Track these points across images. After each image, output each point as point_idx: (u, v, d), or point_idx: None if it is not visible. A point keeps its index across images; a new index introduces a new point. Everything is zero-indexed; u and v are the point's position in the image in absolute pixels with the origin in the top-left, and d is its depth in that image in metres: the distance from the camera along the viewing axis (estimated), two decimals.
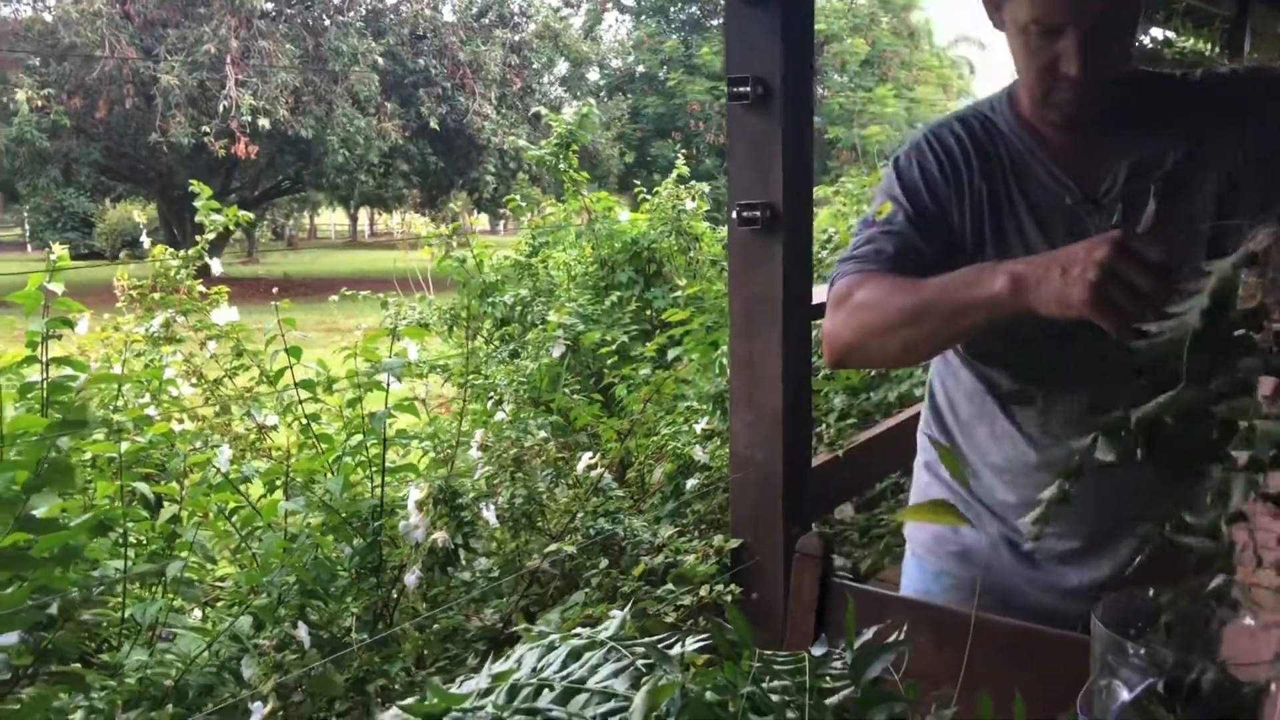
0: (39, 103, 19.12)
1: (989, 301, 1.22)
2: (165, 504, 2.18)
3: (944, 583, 1.61)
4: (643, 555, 2.42)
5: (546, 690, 0.93)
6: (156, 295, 2.83)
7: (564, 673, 0.95)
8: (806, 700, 0.85)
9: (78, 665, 1.66)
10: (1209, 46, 5.65)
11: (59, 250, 2.15)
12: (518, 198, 5.44)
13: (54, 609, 1.34)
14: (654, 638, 0.96)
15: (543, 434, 2.73)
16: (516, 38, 23.42)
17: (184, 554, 1.99)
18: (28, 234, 26.60)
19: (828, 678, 0.88)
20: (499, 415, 2.98)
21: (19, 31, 20.16)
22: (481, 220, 29.12)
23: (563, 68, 25.39)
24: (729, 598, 2.22)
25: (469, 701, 0.93)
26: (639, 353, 3.71)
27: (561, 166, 4.72)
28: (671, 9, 25.12)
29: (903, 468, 3.00)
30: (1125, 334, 1.06)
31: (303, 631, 1.91)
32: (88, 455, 2.19)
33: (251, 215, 3.23)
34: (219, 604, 2.18)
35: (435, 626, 2.15)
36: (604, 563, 2.39)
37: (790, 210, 2.23)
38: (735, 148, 2.28)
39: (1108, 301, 1.10)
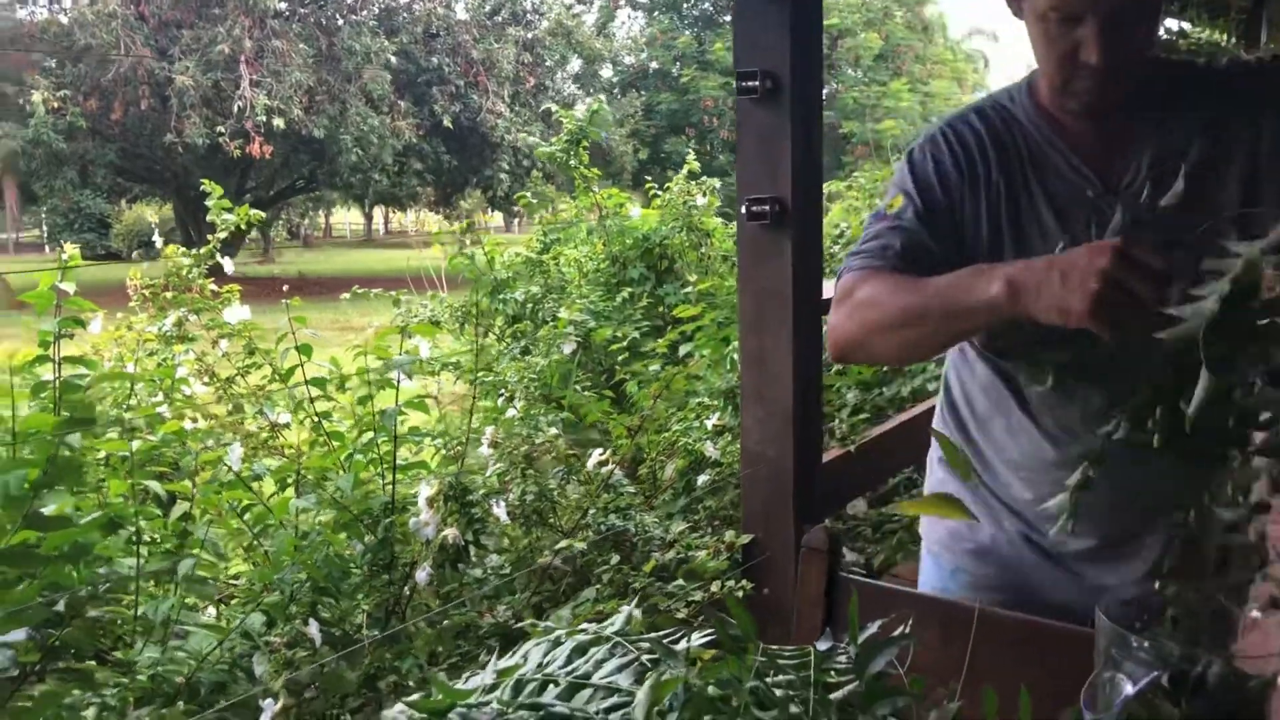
0: (55, 104, 19.26)
1: (986, 306, 1.21)
2: (178, 502, 2.19)
3: (960, 580, 1.60)
4: (654, 551, 2.42)
5: (551, 685, 0.93)
6: (169, 294, 2.84)
7: (569, 668, 0.95)
8: (811, 695, 0.85)
9: (92, 662, 1.67)
10: (1225, 37, 5.60)
11: (70, 250, 2.16)
12: (529, 195, 5.45)
13: (61, 606, 1.35)
14: (659, 633, 0.96)
15: (554, 431, 2.73)
16: (529, 35, 23.44)
17: (196, 551, 2.00)
18: (45, 235, 26.76)
19: (832, 672, 0.88)
20: (510, 412, 2.98)
21: (35, 33, 20.29)
22: (496, 218, 29.18)
23: (576, 65, 25.41)
24: (740, 593, 2.21)
25: (474, 697, 0.94)
26: (650, 349, 3.71)
27: (572, 163, 4.72)
28: (684, 5, 25.07)
29: (916, 463, 2.99)
30: (1124, 341, 1.05)
31: (314, 629, 1.92)
32: (101, 454, 2.20)
33: (263, 214, 3.24)
34: (233, 601, 2.19)
35: (445, 623, 2.15)
36: (615, 559, 2.38)
37: (799, 205, 2.22)
38: (744, 142, 2.27)
39: (1108, 311, 1.08)
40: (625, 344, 3.81)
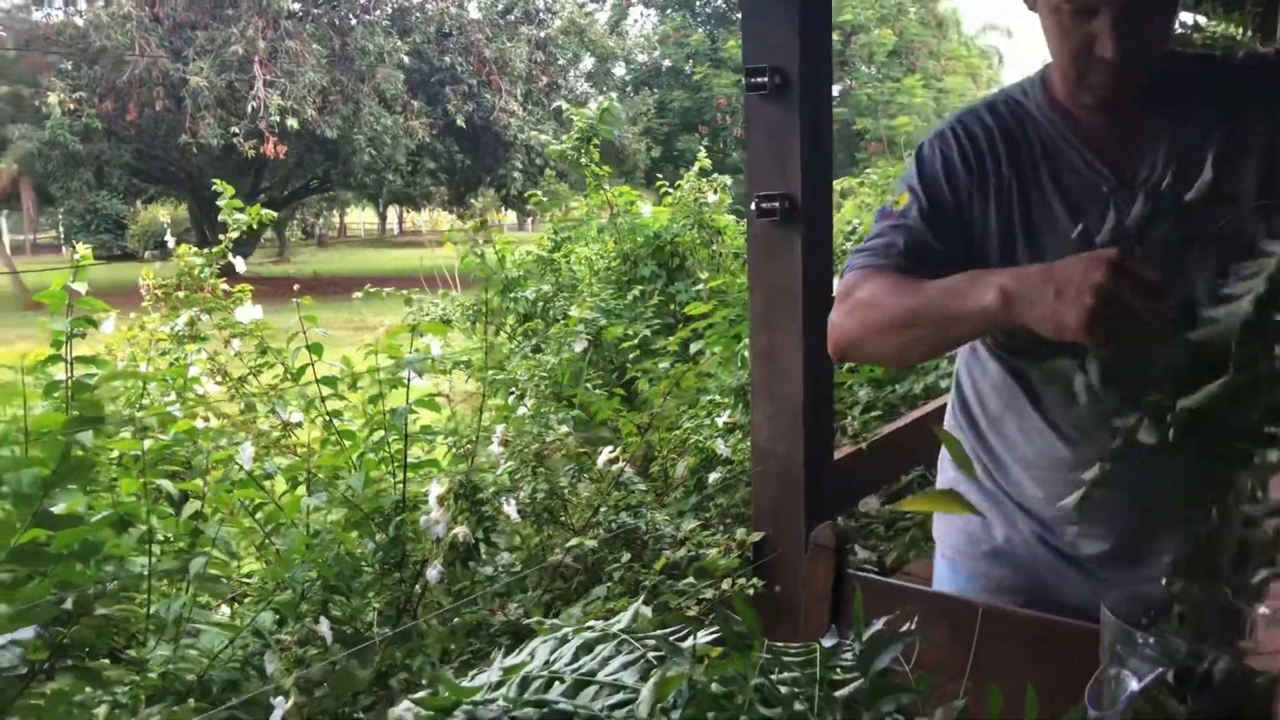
0: (71, 106, 19.38)
1: (979, 314, 1.19)
2: (190, 500, 2.20)
3: (976, 585, 1.57)
4: (665, 549, 2.42)
5: (557, 683, 0.93)
6: (181, 294, 2.85)
7: (575, 665, 0.95)
8: (816, 692, 0.84)
9: (106, 660, 1.68)
10: (1241, 31, 5.55)
11: (82, 250, 2.17)
12: (540, 193, 5.45)
13: (69, 604, 1.35)
14: (665, 630, 0.96)
15: (564, 429, 2.73)
16: (542, 34, 23.45)
17: (208, 549, 2.01)
18: (62, 236, 26.92)
19: (838, 669, 0.88)
20: (521, 410, 2.98)
21: (51, 36, 20.42)
22: (510, 217, 29.22)
23: (589, 63, 25.41)
24: (751, 591, 2.21)
25: (480, 695, 0.94)
26: (661, 347, 3.70)
27: (583, 161, 4.72)
28: (697, 2, 25.04)
29: (929, 460, 2.97)
30: (1117, 354, 1.03)
31: (325, 627, 1.92)
32: (115, 453, 2.21)
33: (275, 214, 3.25)
34: (246, 600, 2.20)
35: (455, 621, 2.15)
36: (626, 557, 2.38)
37: (809, 202, 2.21)
38: (753, 138, 2.27)
39: (1103, 326, 1.06)
40: (636, 342, 3.81)
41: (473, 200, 26.41)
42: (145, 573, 1.83)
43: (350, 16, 21.68)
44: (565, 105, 5.86)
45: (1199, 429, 0.73)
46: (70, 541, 1.48)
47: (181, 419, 2.28)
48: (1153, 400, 0.75)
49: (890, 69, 22.54)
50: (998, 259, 1.39)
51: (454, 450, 2.64)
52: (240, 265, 3.00)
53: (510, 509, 2.23)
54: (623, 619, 1.00)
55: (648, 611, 1.01)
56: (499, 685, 0.95)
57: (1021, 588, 1.50)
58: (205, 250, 2.94)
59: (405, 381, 2.32)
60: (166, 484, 2.05)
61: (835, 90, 21.64)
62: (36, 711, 1.31)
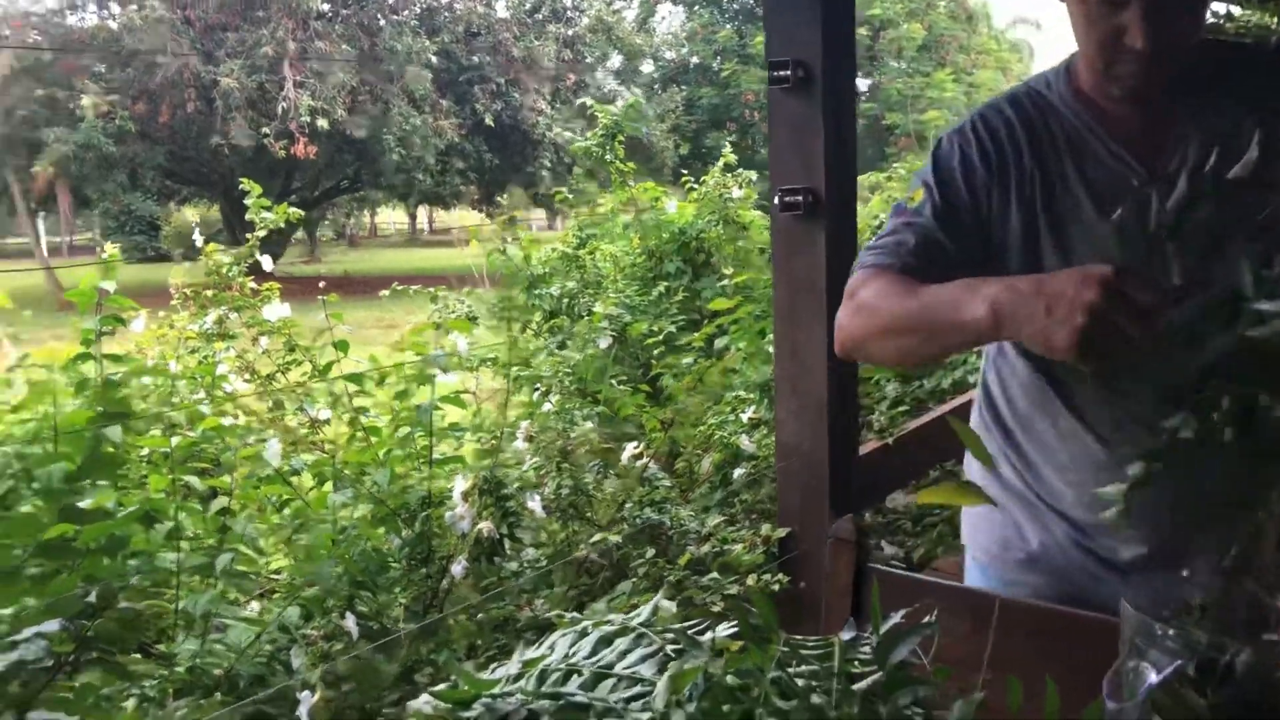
0: (104, 108, 19.59)
1: (970, 327, 1.17)
2: (217, 496, 2.22)
3: (1011, 593, 1.50)
4: (690, 544, 2.42)
5: (575, 675, 0.93)
6: (209, 293, 2.88)
7: (594, 658, 0.95)
8: (834, 685, 0.84)
9: (137, 655, 1.70)
10: (1275, 20, 5.48)
11: (111, 250, 2.20)
12: (565, 190, 5.45)
13: (93, 597, 1.37)
14: (684, 624, 0.96)
15: (589, 425, 2.74)
16: (570, 32, 23.49)
17: (236, 545, 2.03)
18: (98, 238, 27.25)
19: (856, 662, 0.87)
20: (546, 406, 2.99)
21: (85, 39, 20.67)
22: (539, 215, 29.30)
23: (616, 61, 25.41)
24: (776, 586, 2.20)
25: (499, 687, 0.94)
26: (685, 343, 3.70)
27: (608, 158, 4.71)
28: None
29: (956, 456, 2.95)
30: (1108, 374, 1.00)
31: (351, 622, 1.93)
32: (144, 450, 2.24)
33: (301, 212, 3.27)
34: (274, 596, 2.21)
35: (480, 616, 2.16)
36: (651, 552, 2.38)
37: (833, 196, 2.20)
38: (776, 132, 2.26)
39: (1093, 347, 1.03)
40: (661, 338, 3.81)
41: (501, 199, 26.48)
42: (174, 568, 1.85)
43: (379, 17, 21.79)
44: (590, 102, 5.85)
45: (1248, 426, 0.72)
46: (97, 536, 1.49)
47: (210, 416, 2.30)
48: (1204, 396, 0.73)
49: (920, 63, 22.38)
50: (1020, 253, 1.37)
51: (479, 446, 2.65)
52: (268, 264, 3.02)
53: (535, 505, 2.23)
54: (643, 612, 1.00)
55: (670, 606, 1.01)
56: (518, 678, 0.96)
57: (1060, 596, 1.44)
58: (233, 250, 2.97)
59: (431, 378, 2.33)
60: (195, 480, 2.07)
61: (864, 85, 21.52)
62: (65, 704, 1.33)
